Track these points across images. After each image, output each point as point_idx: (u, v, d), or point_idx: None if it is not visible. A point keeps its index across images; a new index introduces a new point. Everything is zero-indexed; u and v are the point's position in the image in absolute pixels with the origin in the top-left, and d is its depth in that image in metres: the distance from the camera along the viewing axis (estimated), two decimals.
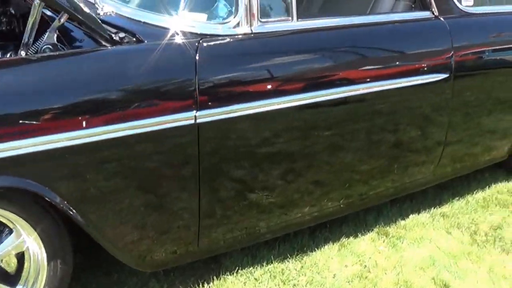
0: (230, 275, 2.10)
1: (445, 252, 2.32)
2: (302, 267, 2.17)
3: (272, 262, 2.17)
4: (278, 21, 1.94)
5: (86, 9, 1.79)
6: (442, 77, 2.29)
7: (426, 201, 2.69)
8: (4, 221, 1.66)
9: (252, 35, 1.87)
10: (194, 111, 1.72)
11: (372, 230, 2.43)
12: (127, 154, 1.68)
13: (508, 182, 2.94)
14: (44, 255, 1.73)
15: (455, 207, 2.66)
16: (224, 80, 1.78)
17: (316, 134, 2.02)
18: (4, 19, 2.20)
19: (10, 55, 1.94)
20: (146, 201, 1.77)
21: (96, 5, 1.96)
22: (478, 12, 2.51)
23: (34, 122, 1.52)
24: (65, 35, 1.88)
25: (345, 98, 2.04)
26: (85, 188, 1.65)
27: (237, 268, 2.13)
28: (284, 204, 2.09)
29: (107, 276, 2.06)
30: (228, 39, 1.84)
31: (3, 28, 2.20)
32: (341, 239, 2.34)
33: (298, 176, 2.07)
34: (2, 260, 1.74)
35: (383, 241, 2.37)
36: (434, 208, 2.64)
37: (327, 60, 2.01)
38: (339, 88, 2.02)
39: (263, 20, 1.89)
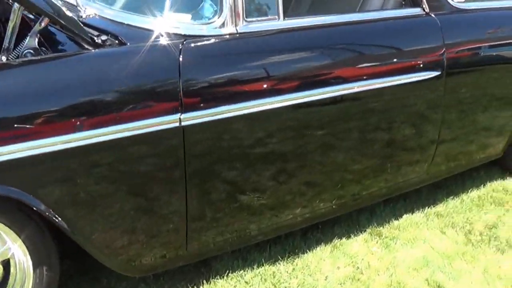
0: (221, 278, 2.07)
1: (439, 252, 2.29)
2: (293, 269, 2.15)
3: (263, 265, 2.15)
4: (264, 20, 1.90)
5: (68, 12, 1.77)
6: (434, 75, 2.26)
7: (420, 201, 2.66)
8: None
9: (238, 35, 1.84)
10: (179, 114, 1.69)
11: (365, 230, 2.40)
12: (112, 158, 1.65)
13: (503, 180, 2.90)
14: (30, 262, 1.71)
15: (450, 206, 2.63)
16: (208, 81, 1.75)
17: (305, 134, 1.99)
18: None
19: None
20: (133, 205, 1.75)
21: (78, 8, 1.93)
22: (470, 8, 2.47)
23: (16, 128, 1.50)
24: (47, 39, 1.85)
25: (334, 97, 2.01)
26: (69, 195, 1.62)
27: (228, 271, 2.10)
28: (275, 206, 2.06)
29: (96, 281, 2.03)
30: (212, 40, 1.81)
31: None
32: (334, 241, 2.32)
33: (289, 177, 2.04)
34: None
35: (376, 242, 2.34)
36: (428, 207, 2.61)
37: (315, 60, 1.98)
38: (328, 88, 1.98)
39: (248, 19, 1.86)
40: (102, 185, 1.67)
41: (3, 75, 1.59)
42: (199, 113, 1.72)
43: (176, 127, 1.70)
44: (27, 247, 1.69)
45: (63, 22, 1.70)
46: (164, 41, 1.74)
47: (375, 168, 2.28)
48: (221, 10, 1.82)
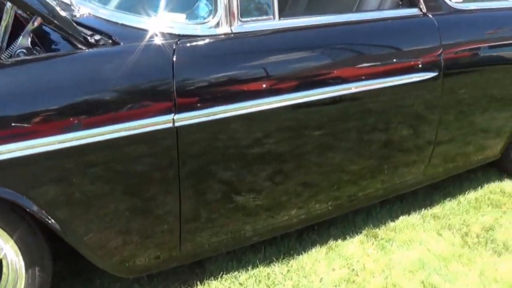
0: (215, 280, 2.06)
1: (435, 254, 2.27)
2: (288, 271, 2.13)
3: (257, 266, 2.13)
4: (259, 20, 1.89)
5: (61, 12, 1.76)
6: (431, 76, 2.25)
7: (416, 202, 2.65)
8: None
9: (232, 35, 1.83)
10: (172, 114, 1.68)
11: (361, 232, 2.39)
12: (106, 159, 1.64)
13: (501, 181, 2.89)
14: (22, 263, 1.70)
15: (447, 208, 2.61)
16: (202, 82, 1.74)
17: (300, 135, 1.98)
18: None
19: None
20: (126, 206, 1.73)
21: (72, 7, 1.92)
22: (468, 8, 2.45)
23: (8, 128, 1.49)
24: (40, 38, 1.84)
25: (329, 98, 1.99)
26: (62, 196, 1.61)
27: (222, 272, 2.09)
28: (271, 207, 2.05)
29: (89, 283, 2.02)
30: (207, 40, 1.79)
31: None
32: (329, 242, 2.30)
33: (284, 178, 2.03)
34: None
35: (372, 244, 2.32)
36: (424, 209, 2.59)
37: (310, 60, 1.96)
38: (322, 89, 1.96)
39: (243, 19, 1.85)
40: (95, 186, 1.66)
41: None
42: (193, 114, 1.71)
43: (169, 128, 1.69)
44: (19, 248, 1.68)
45: (56, 21, 1.69)
46: (158, 41, 1.73)
47: (372, 169, 2.27)
48: (216, 10, 1.81)
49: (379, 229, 2.43)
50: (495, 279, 2.15)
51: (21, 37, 1.73)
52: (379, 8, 2.34)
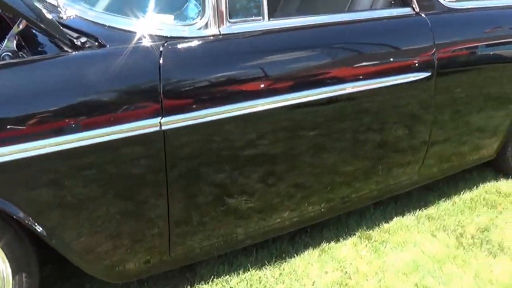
0: (206, 284, 2.04)
1: (429, 256, 2.25)
2: (280, 274, 2.11)
3: (249, 270, 2.11)
4: (248, 21, 1.86)
5: (47, 14, 1.73)
6: (425, 76, 2.22)
7: (410, 203, 2.62)
8: None
9: (221, 36, 1.80)
10: (159, 117, 1.66)
11: (354, 234, 2.36)
12: (92, 163, 1.62)
13: (496, 181, 2.86)
14: (9, 270, 1.68)
15: (441, 208, 2.59)
16: (190, 84, 1.71)
17: (291, 136, 1.95)
18: None
19: None
20: (114, 211, 1.71)
21: (59, 9, 1.89)
22: (461, 7, 2.42)
23: None
24: (27, 41, 1.81)
25: (321, 100, 1.96)
26: (48, 201, 1.59)
27: (213, 276, 2.07)
28: (263, 210, 2.03)
29: (79, 287, 2.00)
30: (194, 41, 1.77)
31: None
32: (322, 244, 2.28)
33: (276, 181, 2.01)
34: None
35: (366, 246, 2.30)
36: (419, 210, 2.57)
37: (300, 61, 1.93)
38: (314, 90, 1.94)
39: (232, 20, 1.83)
40: (82, 191, 1.63)
41: None
42: (180, 117, 1.69)
43: (157, 131, 1.66)
44: (6, 254, 1.66)
45: (41, 24, 1.66)
46: (145, 43, 1.71)
47: (366, 170, 2.25)
48: (204, 10, 1.78)
49: (372, 230, 2.40)
50: (490, 281, 2.12)
51: (6, 40, 1.70)
52: (371, 8, 2.31)
